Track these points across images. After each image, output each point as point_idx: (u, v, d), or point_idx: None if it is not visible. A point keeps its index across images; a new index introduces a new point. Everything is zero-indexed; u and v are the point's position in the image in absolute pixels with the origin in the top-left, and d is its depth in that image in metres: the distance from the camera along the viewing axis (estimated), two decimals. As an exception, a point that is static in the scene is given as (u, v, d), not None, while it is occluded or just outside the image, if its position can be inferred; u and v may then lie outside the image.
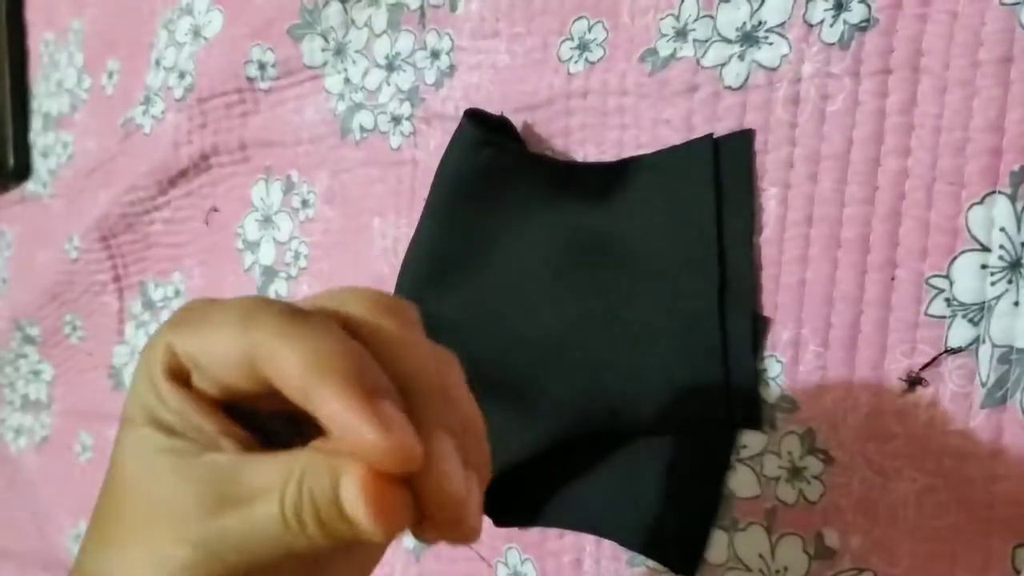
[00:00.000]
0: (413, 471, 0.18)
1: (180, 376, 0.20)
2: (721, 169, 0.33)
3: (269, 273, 0.51)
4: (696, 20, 0.34)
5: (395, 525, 0.18)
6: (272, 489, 0.19)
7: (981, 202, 0.28)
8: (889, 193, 0.29)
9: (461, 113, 0.38)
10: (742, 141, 0.32)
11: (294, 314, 0.19)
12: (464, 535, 0.19)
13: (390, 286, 0.42)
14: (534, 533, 0.38)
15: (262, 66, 0.50)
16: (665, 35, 0.35)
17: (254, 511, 0.19)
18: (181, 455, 0.20)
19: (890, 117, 0.30)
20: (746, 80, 0.33)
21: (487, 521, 0.39)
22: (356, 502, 0.17)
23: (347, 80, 0.47)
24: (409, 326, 0.21)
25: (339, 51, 0.47)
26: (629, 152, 0.36)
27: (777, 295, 0.32)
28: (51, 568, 0.67)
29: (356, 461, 0.18)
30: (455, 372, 0.22)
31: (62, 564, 0.65)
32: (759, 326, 0.32)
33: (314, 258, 0.49)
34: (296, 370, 0.18)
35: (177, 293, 0.58)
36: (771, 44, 0.32)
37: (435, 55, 0.43)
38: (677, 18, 0.34)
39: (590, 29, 0.37)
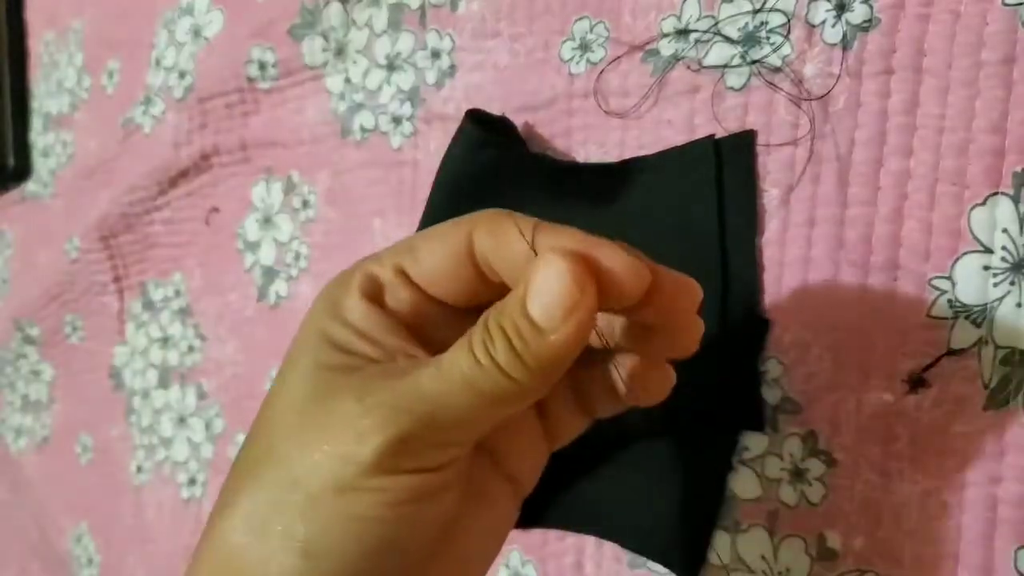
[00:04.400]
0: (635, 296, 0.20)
1: (373, 298, 0.22)
2: (723, 170, 0.33)
3: (270, 274, 0.51)
4: (698, 20, 0.34)
5: (583, 310, 0.19)
6: (459, 344, 0.20)
7: (983, 203, 0.28)
8: (891, 194, 0.29)
9: (462, 113, 0.38)
10: (744, 142, 0.32)
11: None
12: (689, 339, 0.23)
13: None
14: (535, 535, 0.38)
15: (262, 66, 0.50)
16: (667, 35, 0.35)
17: (442, 362, 0.20)
18: (356, 368, 0.21)
19: (892, 118, 0.29)
20: (748, 80, 0.32)
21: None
22: (555, 283, 0.18)
23: (348, 80, 0.47)
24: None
25: (340, 51, 0.47)
26: (630, 153, 0.36)
27: (779, 296, 0.32)
28: (52, 569, 0.67)
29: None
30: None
31: (63, 565, 0.65)
32: (761, 327, 0.32)
33: (315, 259, 0.49)
34: (524, 224, 0.20)
35: (177, 293, 0.58)
36: (773, 44, 0.32)
37: (436, 55, 0.43)
38: (679, 18, 0.34)
39: (591, 29, 0.37)
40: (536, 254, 0.20)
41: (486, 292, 0.22)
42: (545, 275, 0.19)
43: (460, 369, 0.19)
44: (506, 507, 0.25)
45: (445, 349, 0.21)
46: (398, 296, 0.22)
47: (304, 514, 0.19)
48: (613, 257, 0.19)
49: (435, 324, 0.23)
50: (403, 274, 0.22)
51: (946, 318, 0.28)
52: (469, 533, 0.23)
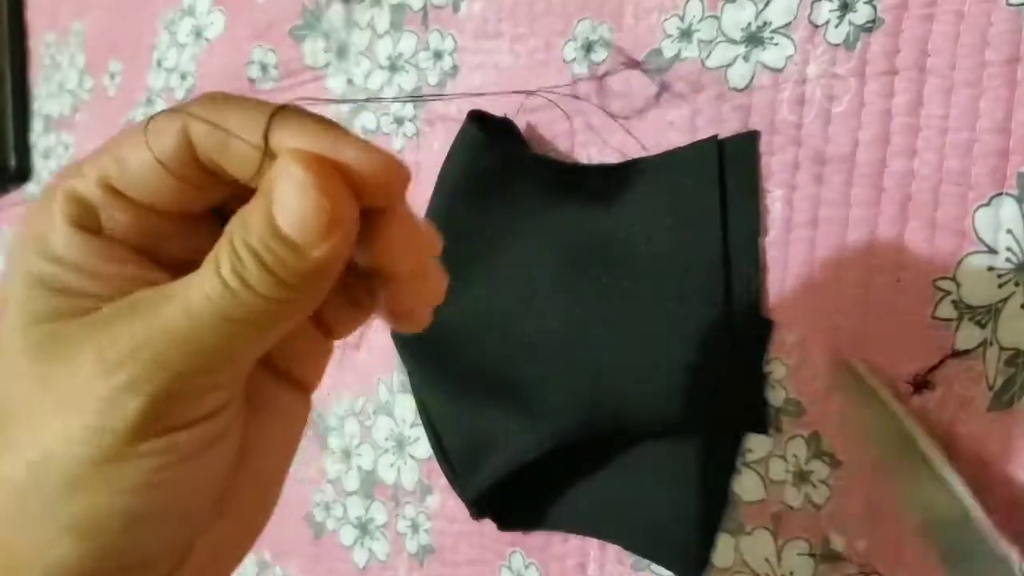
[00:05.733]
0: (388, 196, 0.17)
1: (86, 226, 0.18)
2: (726, 171, 0.33)
3: (271, 275, 0.51)
4: (700, 21, 0.34)
5: (342, 221, 0.16)
6: (205, 266, 0.17)
7: (988, 204, 0.27)
8: (895, 195, 0.29)
9: (464, 114, 0.38)
10: (747, 143, 0.32)
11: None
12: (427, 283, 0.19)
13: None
14: (538, 537, 0.38)
15: (264, 67, 0.50)
16: (670, 36, 0.35)
17: (188, 292, 0.17)
18: (86, 311, 0.17)
19: (896, 118, 0.29)
20: (751, 81, 0.32)
21: (491, 524, 0.39)
22: (301, 191, 0.16)
23: (350, 81, 0.47)
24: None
25: (341, 52, 0.47)
26: (633, 154, 0.36)
27: (782, 298, 0.32)
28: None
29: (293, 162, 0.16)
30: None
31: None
32: (764, 329, 0.32)
33: (316, 260, 0.49)
34: (249, 118, 0.17)
35: (179, 295, 0.58)
36: (776, 45, 0.32)
37: (438, 56, 0.43)
38: (681, 19, 0.34)
39: (594, 30, 0.37)
40: (267, 154, 0.17)
41: (220, 190, 0.18)
42: (288, 190, 0.16)
43: (210, 300, 0.16)
44: (297, 413, 0.22)
45: (194, 263, 0.17)
46: (114, 216, 0.18)
47: (66, 493, 0.17)
48: (360, 156, 0.16)
49: (173, 236, 0.19)
50: (112, 189, 0.18)
51: (950, 319, 0.28)
52: (263, 454, 0.21)
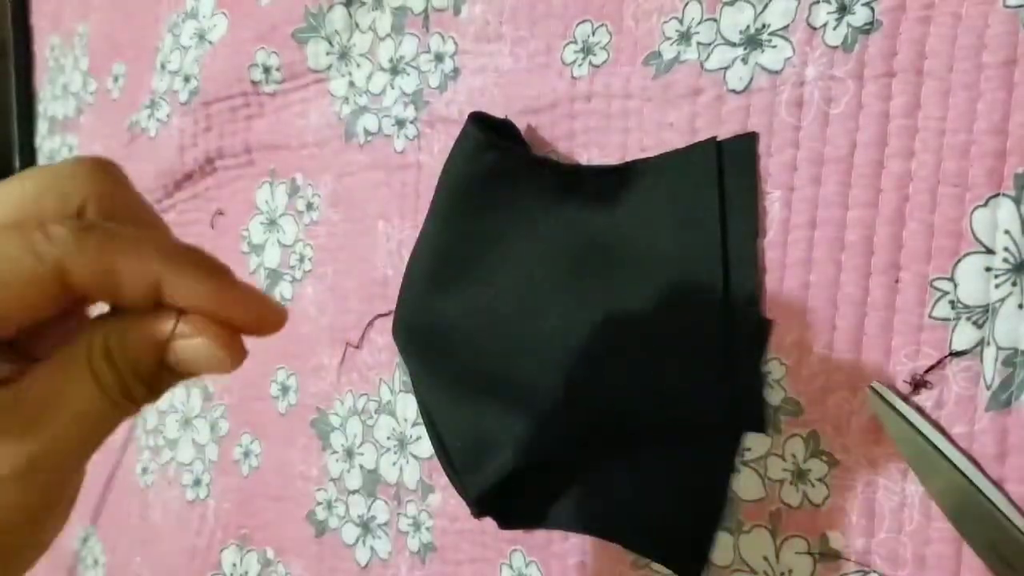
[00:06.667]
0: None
1: None
2: (725, 172, 0.33)
3: (274, 276, 0.51)
4: (700, 23, 0.34)
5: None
6: (85, 383, 0.19)
7: (985, 205, 0.28)
8: (893, 196, 0.29)
9: (465, 116, 0.39)
10: (746, 144, 0.33)
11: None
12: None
13: (395, 289, 0.42)
14: (539, 535, 0.38)
15: (267, 70, 0.50)
16: (669, 38, 0.35)
17: (78, 408, 0.19)
18: None
19: (894, 120, 0.30)
20: (749, 83, 0.33)
21: (492, 523, 0.39)
22: (208, 362, 0.19)
23: (351, 83, 0.47)
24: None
25: (343, 55, 0.47)
26: (633, 155, 0.36)
27: (781, 297, 0.32)
28: (58, 569, 0.67)
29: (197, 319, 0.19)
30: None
31: (68, 566, 0.65)
32: (763, 329, 0.32)
33: (319, 261, 0.49)
34: (139, 265, 0.19)
35: (182, 296, 0.58)
36: (775, 47, 0.32)
37: (439, 58, 0.43)
38: (681, 21, 0.35)
39: (594, 32, 0.37)
40: (170, 308, 0.19)
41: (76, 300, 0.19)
42: (196, 355, 0.19)
43: (104, 417, 0.19)
44: None
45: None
46: None
47: None
48: (249, 310, 0.20)
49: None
50: None
51: (948, 319, 0.28)
52: None
